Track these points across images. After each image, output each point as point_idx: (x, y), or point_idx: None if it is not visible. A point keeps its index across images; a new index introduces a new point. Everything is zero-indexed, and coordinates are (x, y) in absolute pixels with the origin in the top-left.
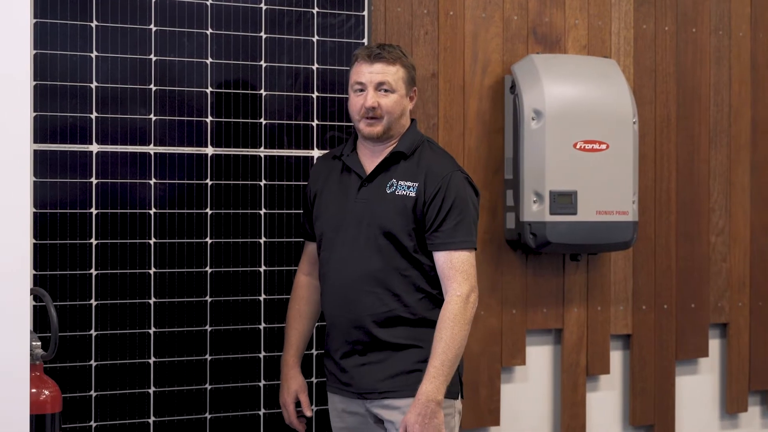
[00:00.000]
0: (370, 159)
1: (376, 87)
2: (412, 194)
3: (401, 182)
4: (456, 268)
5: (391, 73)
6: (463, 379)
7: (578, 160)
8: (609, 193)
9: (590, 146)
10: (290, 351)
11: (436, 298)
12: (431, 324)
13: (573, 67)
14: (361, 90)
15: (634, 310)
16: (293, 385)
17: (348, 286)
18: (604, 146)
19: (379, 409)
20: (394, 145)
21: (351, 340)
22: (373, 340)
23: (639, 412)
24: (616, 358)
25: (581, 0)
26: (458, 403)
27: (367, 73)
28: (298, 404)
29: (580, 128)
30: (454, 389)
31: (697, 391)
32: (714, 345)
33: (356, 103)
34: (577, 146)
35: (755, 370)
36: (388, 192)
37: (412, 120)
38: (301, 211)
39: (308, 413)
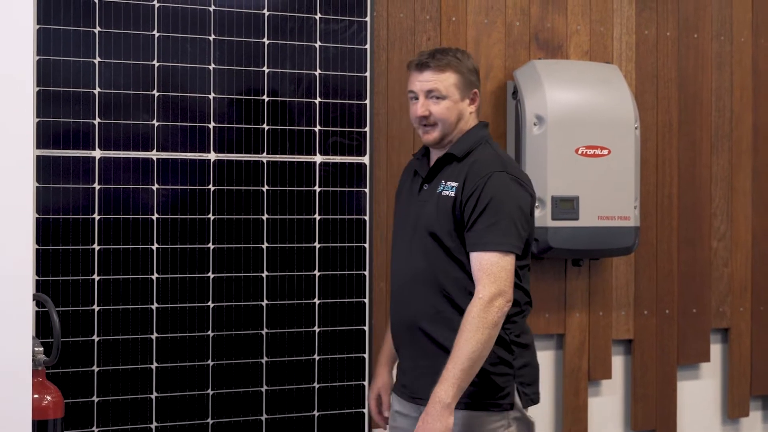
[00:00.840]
0: (434, 161)
1: (427, 95)
2: (452, 194)
3: (447, 183)
4: (483, 270)
5: (441, 80)
6: None
7: (580, 166)
8: (611, 199)
9: (592, 152)
10: (384, 350)
11: None
12: None
13: (575, 73)
14: (415, 98)
15: (636, 315)
16: (378, 382)
17: (403, 286)
18: (606, 152)
19: None
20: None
21: (407, 341)
22: (425, 341)
23: (641, 417)
24: (618, 363)
25: (583, 6)
26: (513, 413)
27: (416, 81)
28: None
29: (582, 134)
30: (506, 401)
31: (698, 395)
32: (716, 350)
33: (412, 111)
34: (579, 152)
35: (757, 375)
36: (437, 192)
37: (481, 122)
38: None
39: (386, 413)
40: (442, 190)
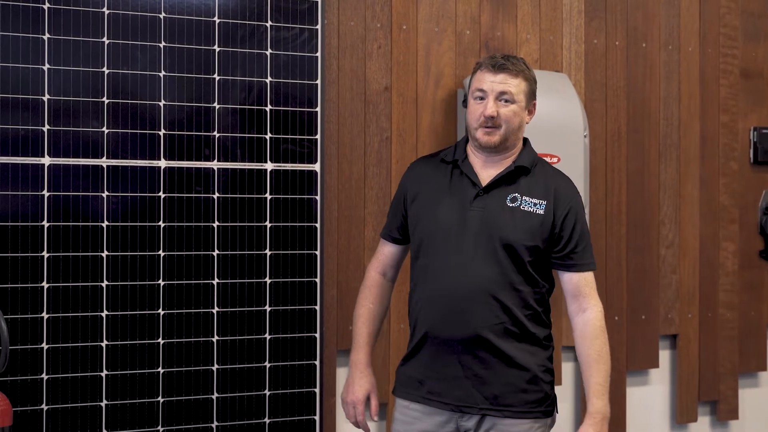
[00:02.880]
0: (483, 168)
1: (497, 96)
2: (541, 212)
3: (527, 198)
4: (591, 286)
5: (514, 84)
6: None
7: None
8: None
9: None
10: (364, 350)
11: (540, 316)
12: (536, 340)
13: None
14: (482, 98)
15: None
16: (366, 384)
17: (461, 296)
18: (555, 159)
19: (486, 426)
20: (514, 158)
21: (458, 350)
22: (485, 353)
23: None
24: (568, 369)
25: (533, 15)
26: (550, 420)
27: (489, 81)
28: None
29: (532, 141)
30: (551, 408)
31: (647, 401)
32: (664, 356)
33: (476, 110)
34: None
35: (705, 381)
36: (510, 205)
37: (525, 138)
38: (389, 211)
39: (376, 417)
40: (521, 205)
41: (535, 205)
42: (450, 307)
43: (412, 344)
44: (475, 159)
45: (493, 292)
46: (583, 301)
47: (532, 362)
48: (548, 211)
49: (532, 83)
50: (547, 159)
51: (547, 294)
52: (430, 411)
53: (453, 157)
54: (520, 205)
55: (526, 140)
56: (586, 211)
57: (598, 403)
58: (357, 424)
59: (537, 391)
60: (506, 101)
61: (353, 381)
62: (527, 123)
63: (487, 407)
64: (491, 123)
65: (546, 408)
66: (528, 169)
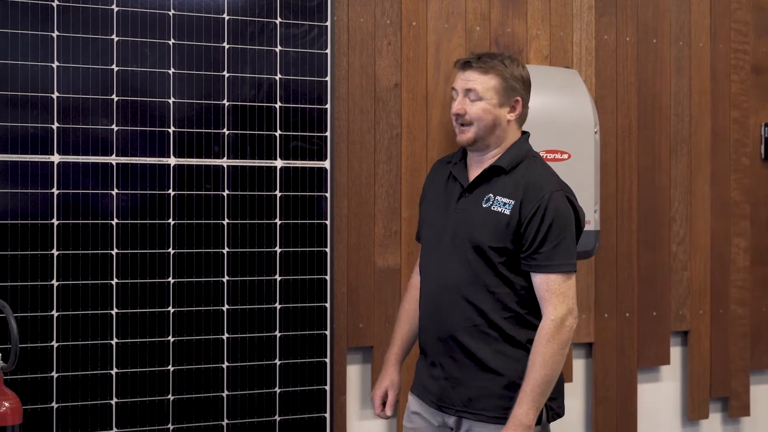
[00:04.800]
0: (474, 169)
1: (465, 94)
2: (507, 212)
3: (498, 197)
4: (552, 291)
5: (481, 82)
6: None
7: None
8: (576, 198)
9: (552, 156)
10: (393, 348)
11: (524, 319)
12: (518, 344)
13: (535, 78)
14: (453, 97)
15: (597, 318)
16: (385, 381)
17: (439, 294)
18: (566, 156)
19: (464, 427)
20: (497, 158)
21: (439, 350)
22: (460, 354)
23: (602, 420)
24: (579, 366)
25: (543, 11)
26: (536, 429)
27: (459, 79)
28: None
29: (542, 138)
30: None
31: (658, 398)
32: (675, 353)
33: (451, 108)
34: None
35: (716, 378)
36: (484, 206)
37: (524, 133)
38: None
39: (389, 413)
40: (492, 205)
41: (504, 205)
42: (431, 308)
43: (419, 339)
44: (470, 160)
45: (466, 294)
46: (543, 306)
47: (510, 368)
48: (514, 211)
49: (508, 79)
50: (558, 155)
51: (531, 296)
52: (424, 407)
53: (450, 159)
54: (492, 205)
55: (523, 137)
56: (596, 208)
57: (519, 413)
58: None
59: (515, 398)
60: (473, 99)
61: (379, 377)
62: (511, 120)
63: (462, 409)
64: (462, 121)
65: None
66: (504, 169)
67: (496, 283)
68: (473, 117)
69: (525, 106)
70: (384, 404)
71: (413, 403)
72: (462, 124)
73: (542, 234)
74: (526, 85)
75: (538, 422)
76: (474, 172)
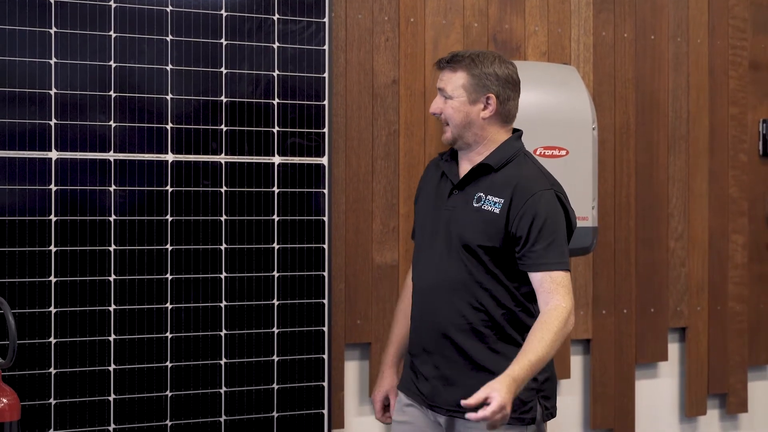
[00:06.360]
0: (464, 167)
1: (440, 93)
2: (497, 211)
3: (489, 197)
4: (558, 284)
5: (450, 80)
6: None
7: None
8: (568, 199)
9: (550, 152)
10: (390, 350)
11: (517, 317)
12: (511, 341)
13: (533, 74)
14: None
15: (594, 314)
16: (385, 384)
17: (430, 291)
18: (563, 152)
19: (455, 427)
20: (485, 156)
21: (431, 348)
22: (452, 351)
23: (599, 417)
24: (577, 362)
25: (541, 7)
26: (532, 428)
27: (438, 80)
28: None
29: (540, 134)
30: (528, 415)
31: (656, 394)
32: (673, 349)
33: None
34: (537, 152)
35: (714, 374)
36: (475, 205)
37: (516, 131)
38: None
39: (393, 416)
40: (483, 204)
41: (494, 204)
42: (423, 306)
43: (409, 337)
44: (460, 158)
45: (458, 292)
46: (547, 296)
47: (503, 367)
48: (503, 211)
49: (478, 76)
50: (555, 151)
51: (526, 294)
52: (413, 403)
53: (445, 156)
54: (483, 204)
55: (514, 135)
56: (594, 204)
57: (514, 368)
58: (380, 420)
59: None
60: (446, 98)
61: (378, 381)
62: (486, 117)
63: (453, 409)
64: (442, 120)
65: (520, 415)
66: (492, 168)
67: (488, 281)
68: (447, 116)
69: (504, 103)
70: (385, 407)
71: (402, 396)
72: (446, 123)
73: (535, 233)
74: (503, 81)
75: (533, 421)
76: (464, 170)
